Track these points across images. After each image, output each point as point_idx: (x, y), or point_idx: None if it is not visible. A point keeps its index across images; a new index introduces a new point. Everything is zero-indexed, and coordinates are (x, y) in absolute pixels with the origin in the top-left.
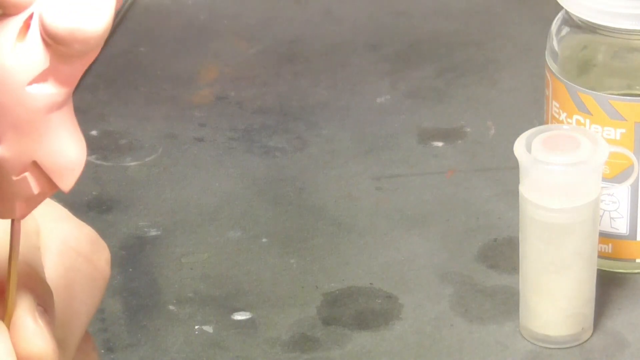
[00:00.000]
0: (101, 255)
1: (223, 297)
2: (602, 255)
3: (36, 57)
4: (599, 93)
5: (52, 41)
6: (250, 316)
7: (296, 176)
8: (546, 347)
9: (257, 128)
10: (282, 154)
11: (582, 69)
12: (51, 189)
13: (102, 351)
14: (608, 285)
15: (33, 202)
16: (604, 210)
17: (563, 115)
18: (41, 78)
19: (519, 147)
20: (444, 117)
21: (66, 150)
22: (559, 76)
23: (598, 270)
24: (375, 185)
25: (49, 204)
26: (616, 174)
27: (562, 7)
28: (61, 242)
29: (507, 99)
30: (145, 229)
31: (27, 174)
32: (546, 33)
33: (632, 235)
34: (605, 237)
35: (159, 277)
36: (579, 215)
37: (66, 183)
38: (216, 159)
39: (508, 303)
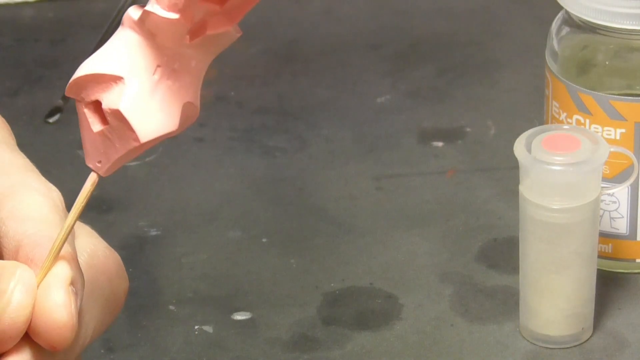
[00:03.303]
0: (122, 283)
1: (223, 297)
2: (602, 255)
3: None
4: (599, 93)
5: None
6: (250, 316)
7: (296, 176)
8: (546, 347)
9: (257, 128)
10: (282, 154)
11: (582, 69)
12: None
13: (102, 351)
14: (608, 285)
15: (101, 144)
16: (604, 210)
17: (563, 115)
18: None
19: (519, 147)
20: (444, 117)
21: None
22: (559, 76)
23: (598, 270)
24: (375, 185)
25: (83, 223)
26: (616, 174)
27: (562, 7)
28: (90, 255)
29: (507, 99)
30: (145, 229)
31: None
32: (546, 33)
33: (632, 235)
34: (605, 237)
35: (159, 277)
36: (579, 215)
37: (143, 133)
38: (216, 159)
39: (508, 303)
